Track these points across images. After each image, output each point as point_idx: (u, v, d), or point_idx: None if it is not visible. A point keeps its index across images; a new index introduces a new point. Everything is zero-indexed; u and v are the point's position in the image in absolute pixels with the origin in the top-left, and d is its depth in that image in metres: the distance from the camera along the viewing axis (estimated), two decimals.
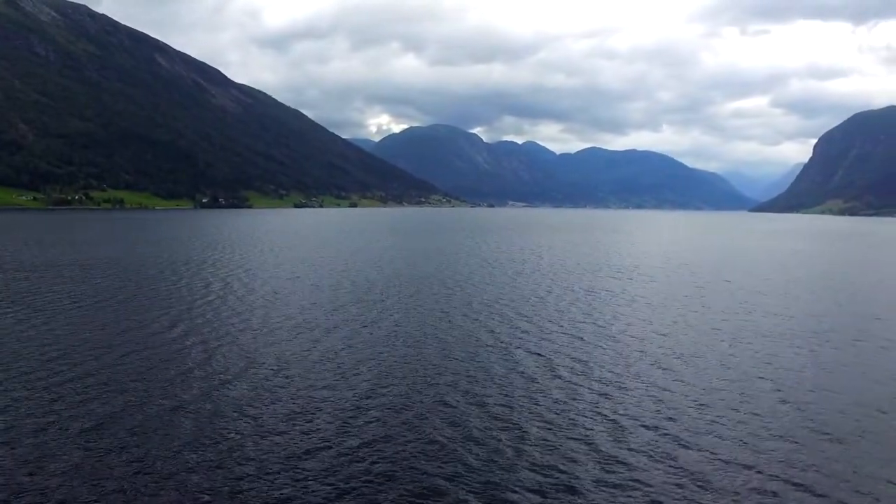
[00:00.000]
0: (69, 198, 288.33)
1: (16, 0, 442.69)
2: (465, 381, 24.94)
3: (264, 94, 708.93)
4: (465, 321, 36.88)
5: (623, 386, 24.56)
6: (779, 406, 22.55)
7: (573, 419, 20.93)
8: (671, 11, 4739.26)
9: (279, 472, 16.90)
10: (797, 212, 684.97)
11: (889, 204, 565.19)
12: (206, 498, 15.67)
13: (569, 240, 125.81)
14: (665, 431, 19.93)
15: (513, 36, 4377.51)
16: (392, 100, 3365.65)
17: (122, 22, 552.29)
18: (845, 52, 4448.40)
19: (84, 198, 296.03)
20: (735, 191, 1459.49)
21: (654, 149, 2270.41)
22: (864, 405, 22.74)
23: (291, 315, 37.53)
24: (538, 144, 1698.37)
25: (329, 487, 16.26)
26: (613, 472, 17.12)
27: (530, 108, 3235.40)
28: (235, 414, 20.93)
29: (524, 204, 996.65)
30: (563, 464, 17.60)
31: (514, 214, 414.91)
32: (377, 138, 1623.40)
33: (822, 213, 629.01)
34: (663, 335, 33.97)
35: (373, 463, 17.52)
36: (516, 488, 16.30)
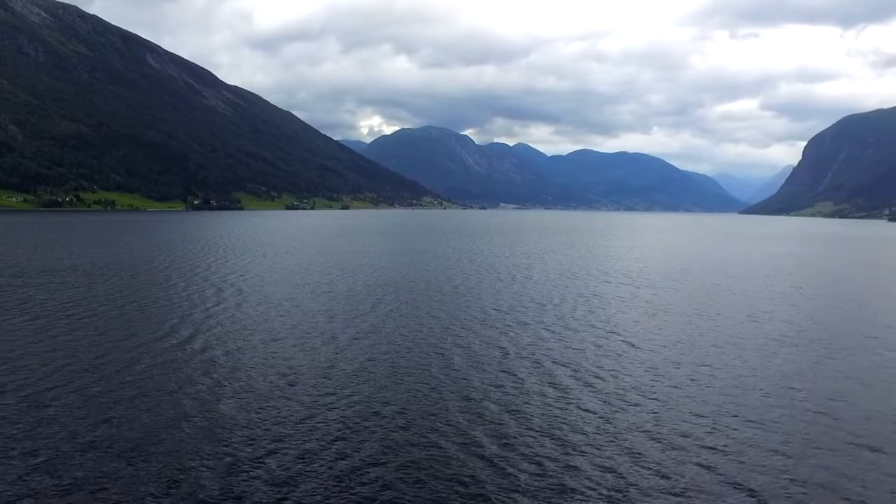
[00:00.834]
0: (60, 199, 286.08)
1: (5, 0, 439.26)
2: (480, 390, 24.74)
3: (256, 95, 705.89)
4: (480, 328, 36.74)
5: (656, 397, 24.41)
6: (817, 417, 22.53)
7: (613, 435, 20.76)
8: (661, 15, 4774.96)
9: (280, 474, 16.95)
10: (787, 214, 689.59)
11: (878, 206, 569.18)
12: (209, 501, 15.82)
13: (567, 241, 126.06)
14: (705, 444, 19.76)
15: (504, 39, 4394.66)
16: (384, 102, 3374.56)
17: (113, 23, 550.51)
18: (834, 55, 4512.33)
19: (75, 199, 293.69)
20: (725, 193, 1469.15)
21: (644, 151, 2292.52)
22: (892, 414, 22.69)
23: (295, 324, 37.22)
24: (529, 146, 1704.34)
25: (331, 488, 16.23)
26: (650, 478, 16.93)
27: (521, 110, 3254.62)
28: (235, 418, 20.88)
29: (515, 206, 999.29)
30: (611, 474, 17.39)
31: (506, 216, 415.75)
32: (369, 140, 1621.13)
33: (812, 215, 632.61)
34: (680, 342, 33.89)
35: (378, 468, 17.36)
36: (517, 492, 16.19)
